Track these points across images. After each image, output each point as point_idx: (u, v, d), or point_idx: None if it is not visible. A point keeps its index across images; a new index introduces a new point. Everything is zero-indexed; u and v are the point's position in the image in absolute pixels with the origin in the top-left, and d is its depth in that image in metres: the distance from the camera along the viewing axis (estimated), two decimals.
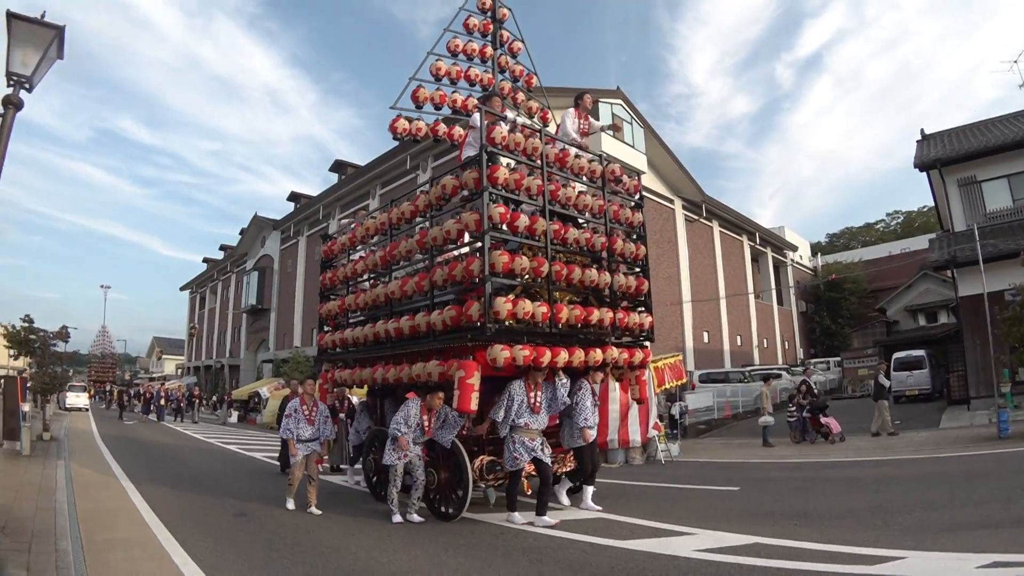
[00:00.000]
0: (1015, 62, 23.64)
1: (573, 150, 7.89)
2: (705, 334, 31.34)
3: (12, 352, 19.67)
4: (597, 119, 23.82)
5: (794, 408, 13.67)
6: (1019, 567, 4.26)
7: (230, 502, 8.43)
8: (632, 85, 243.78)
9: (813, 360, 35.59)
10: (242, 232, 46.04)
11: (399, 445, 6.90)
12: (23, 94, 5.03)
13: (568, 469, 7.85)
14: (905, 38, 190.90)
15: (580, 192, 7.75)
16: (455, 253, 7.37)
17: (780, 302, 41.66)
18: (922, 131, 21.66)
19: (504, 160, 7.08)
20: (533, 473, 7.05)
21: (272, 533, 6.60)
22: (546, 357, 6.65)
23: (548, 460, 6.92)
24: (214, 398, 41.00)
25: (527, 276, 6.72)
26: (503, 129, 6.84)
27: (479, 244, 6.66)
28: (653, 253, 27.63)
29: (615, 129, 8.68)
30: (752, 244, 38.74)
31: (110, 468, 11.91)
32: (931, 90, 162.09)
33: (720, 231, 35.02)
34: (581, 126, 8.59)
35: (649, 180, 28.08)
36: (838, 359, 31.42)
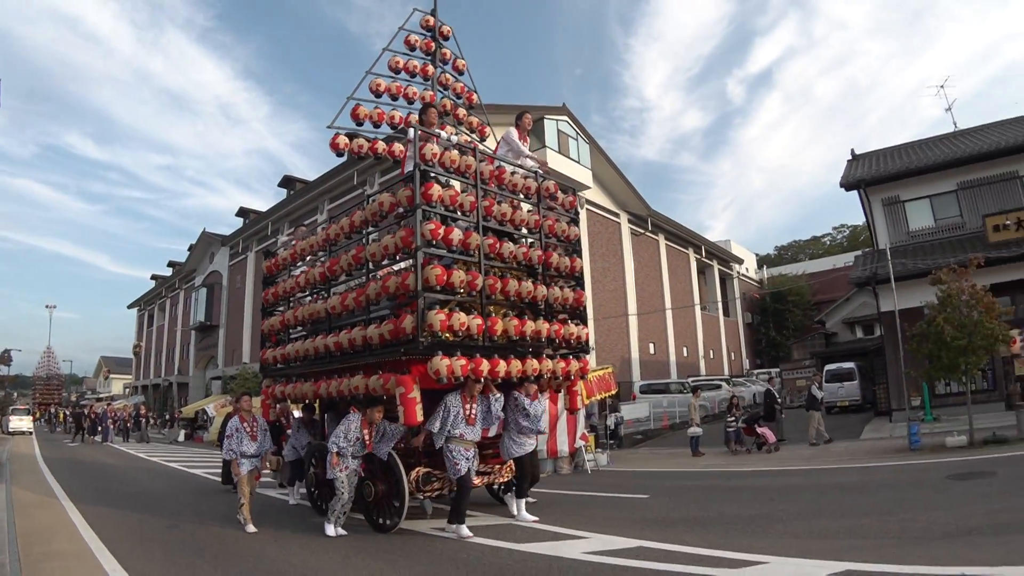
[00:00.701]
0: (942, 87, 25.13)
1: (509, 167, 8.10)
2: (651, 345, 31.94)
3: None
4: (540, 138, 24.18)
5: (732, 419, 14.08)
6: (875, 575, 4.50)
7: (165, 517, 8.56)
8: (586, 98, 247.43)
9: (757, 371, 36.59)
10: (191, 248, 45.14)
11: (333, 461, 6.93)
12: None
13: (505, 480, 7.99)
14: (852, 57, 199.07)
15: (515, 208, 7.96)
16: (394, 268, 7.49)
17: (727, 313, 42.73)
18: (852, 151, 22.77)
19: (444, 177, 7.26)
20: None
21: (201, 543, 6.86)
22: (484, 367, 6.81)
23: (473, 472, 7.06)
24: (164, 416, 39.91)
25: (462, 290, 6.88)
26: (435, 147, 7.01)
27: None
28: (599, 266, 28.54)
29: (542, 166, 8.91)
30: (698, 257, 39.69)
31: (51, 488, 11.85)
32: (877, 107, 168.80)
33: (666, 244, 35.83)
34: (520, 146, 8.80)
35: (595, 195, 28.66)
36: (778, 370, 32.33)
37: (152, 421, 39.49)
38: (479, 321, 6.88)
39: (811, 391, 14.67)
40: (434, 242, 6.70)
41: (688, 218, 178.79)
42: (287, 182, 36.03)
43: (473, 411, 7.10)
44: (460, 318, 6.55)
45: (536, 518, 7.45)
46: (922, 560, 4.71)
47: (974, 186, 18.18)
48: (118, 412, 34.61)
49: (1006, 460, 9.72)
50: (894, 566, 4.58)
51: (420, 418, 6.56)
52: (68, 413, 42.73)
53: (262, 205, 40.90)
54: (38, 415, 47.91)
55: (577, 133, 26.75)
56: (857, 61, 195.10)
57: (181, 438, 30.31)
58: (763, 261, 60.52)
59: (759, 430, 13.72)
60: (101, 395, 68.64)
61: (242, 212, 40.83)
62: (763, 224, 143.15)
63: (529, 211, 8.20)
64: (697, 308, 37.24)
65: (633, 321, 29.90)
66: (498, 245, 7.47)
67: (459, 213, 7.23)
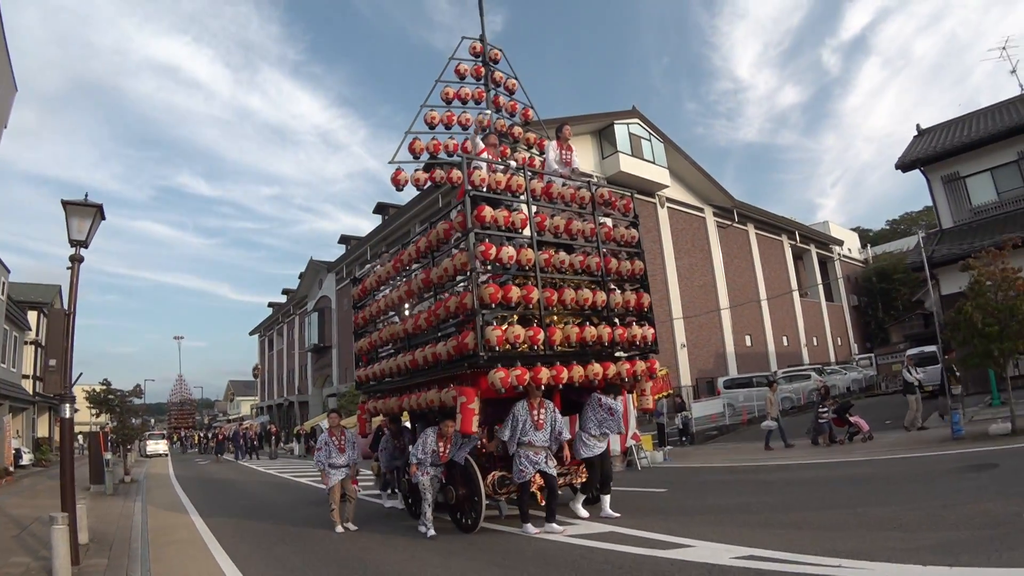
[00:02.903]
0: (1004, 48, 22.97)
1: (558, 180, 8.46)
2: (747, 338, 31.05)
3: (93, 411, 22.04)
4: (612, 143, 24.23)
5: (824, 410, 13.60)
6: (768, 561, 4.83)
7: (272, 519, 9.97)
8: (677, 86, 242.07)
9: (858, 356, 34.59)
10: (301, 276, 48.30)
11: (412, 470, 7.58)
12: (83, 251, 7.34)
13: (582, 481, 8.32)
14: (949, 11, 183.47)
15: (569, 219, 8.30)
16: (456, 289, 8.04)
17: (829, 298, 40.64)
18: (917, 126, 21.42)
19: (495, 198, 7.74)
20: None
21: (295, 538, 8.16)
22: (543, 375, 7.20)
23: (553, 472, 7.43)
24: (283, 433, 42.88)
25: (519, 304, 7.31)
26: (483, 172, 7.50)
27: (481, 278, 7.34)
28: (685, 263, 28.23)
29: (575, 174, 9.20)
30: (793, 243, 38.13)
31: (179, 499, 13.92)
32: (982, 61, 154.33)
33: (756, 233, 34.73)
34: (564, 156, 9.12)
35: (675, 192, 28.33)
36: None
37: (281, 439, 42.56)
38: (536, 332, 7.26)
39: (903, 375, 13.99)
40: (487, 262, 7.17)
41: (796, 198, 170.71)
42: (380, 208, 37.92)
43: (541, 417, 7.46)
44: (515, 331, 6.99)
45: (619, 515, 7.64)
46: (830, 553, 4.89)
47: None
48: (247, 431, 37.64)
49: None
50: (797, 555, 4.91)
51: (475, 428, 7.04)
52: (202, 435, 46.79)
53: (368, 225, 43.34)
54: (174, 438, 52.73)
55: (650, 133, 26.59)
56: (954, 14, 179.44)
57: (296, 452, 32.64)
58: (873, 238, 56.94)
59: (851, 419, 13.21)
60: (231, 416, 74.39)
61: (343, 239, 43.35)
62: (876, 197, 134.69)
63: (584, 220, 8.50)
64: (796, 295, 35.72)
65: (726, 315, 29.25)
66: (554, 257, 7.84)
67: (512, 231, 7.67)
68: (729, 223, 32.26)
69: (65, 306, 7.49)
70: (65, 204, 7.23)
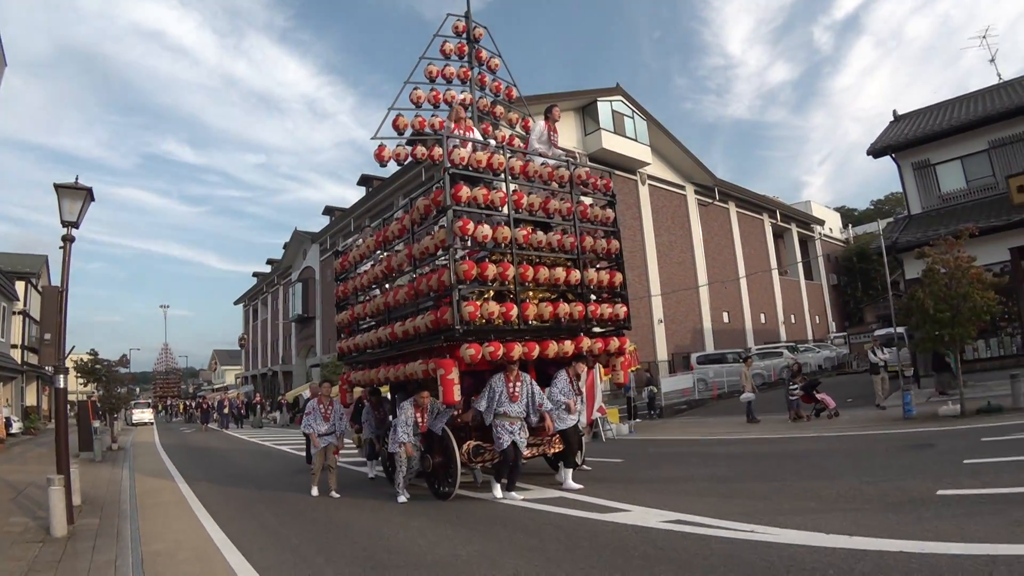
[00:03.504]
0: (984, 37, 23.23)
1: (537, 160, 8.66)
2: (725, 314, 31.62)
3: (82, 380, 22.25)
4: (595, 120, 24.30)
5: (794, 387, 14.07)
6: (691, 525, 5.37)
7: (254, 483, 10.71)
8: (668, 61, 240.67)
9: (834, 335, 35.39)
10: (285, 246, 48.14)
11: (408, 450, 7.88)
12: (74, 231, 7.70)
13: (557, 451, 8.66)
14: None
15: (547, 198, 8.53)
16: (436, 264, 8.26)
17: (809, 277, 41.29)
18: (894, 112, 21.75)
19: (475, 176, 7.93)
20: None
21: (275, 501, 8.67)
22: (516, 350, 7.50)
23: (523, 445, 7.75)
24: (268, 403, 43.17)
25: (495, 281, 7.57)
26: (462, 151, 7.69)
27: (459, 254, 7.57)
28: (664, 240, 28.59)
29: (569, 156, 9.38)
30: (774, 222, 38.59)
31: (165, 466, 14.51)
32: (975, 44, 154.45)
33: (737, 212, 35.12)
34: (550, 137, 9.32)
35: (657, 169, 28.53)
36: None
37: (266, 408, 42.87)
38: (510, 308, 7.52)
39: (869, 356, 14.55)
40: (464, 238, 7.40)
41: (783, 175, 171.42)
42: (365, 180, 37.81)
43: (516, 389, 7.75)
44: (490, 307, 7.26)
45: (581, 487, 7.93)
46: (749, 519, 5.34)
47: (1007, 143, 17.14)
48: (232, 400, 37.90)
49: (974, 432, 9.51)
50: (719, 520, 5.41)
51: (457, 398, 7.34)
52: (189, 404, 46.97)
53: (353, 196, 43.39)
54: (159, 407, 52.95)
55: (633, 111, 26.72)
56: None
57: (279, 421, 33.16)
58: (861, 217, 57.53)
59: (818, 396, 13.69)
60: (216, 386, 74.58)
61: (328, 210, 43.16)
62: (863, 177, 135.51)
63: (562, 199, 8.71)
64: (775, 273, 36.29)
65: (704, 291, 29.71)
66: (531, 235, 8.09)
67: (491, 209, 7.88)
68: (710, 201, 32.63)
69: (53, 279, 7.80)
70: (57, 187, 7.61)
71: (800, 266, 39.81)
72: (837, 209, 56.92)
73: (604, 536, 5.37)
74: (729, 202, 34.46)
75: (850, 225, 52.41)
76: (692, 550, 4.67)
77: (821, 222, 43.98)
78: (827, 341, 32.18)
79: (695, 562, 4.37)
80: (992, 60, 21.00)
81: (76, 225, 7.69)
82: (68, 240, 7.61)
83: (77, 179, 7.78)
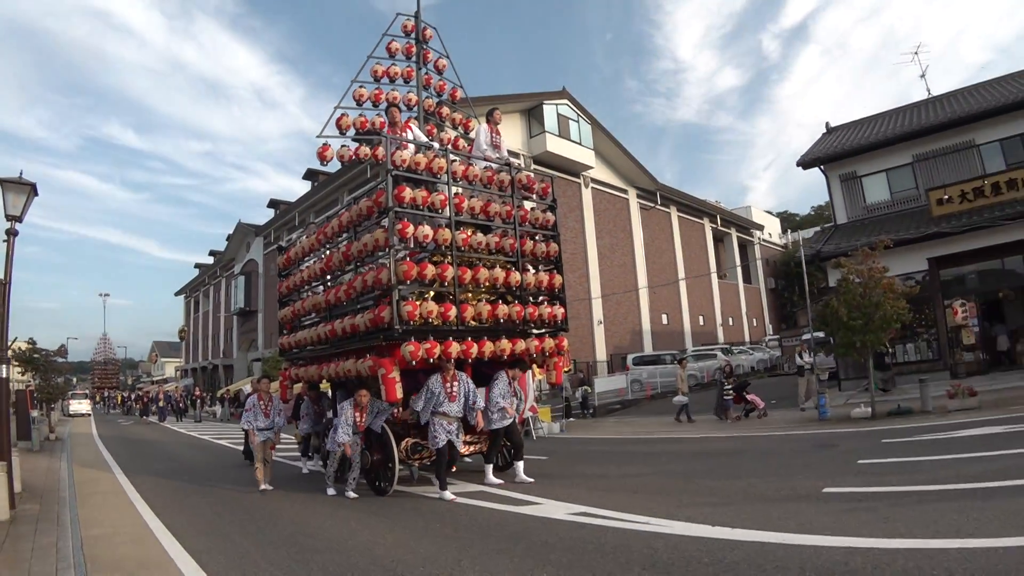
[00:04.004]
0: (915, 53, 24.55)
1: (480, 163, 8.84)
2: (664, 316, 32.49)
3: (19, 369, 21.58)
4: (541, 123, 24.55)
5: (728, 388, 14.64)
6: (593, 517, 5.75)
7: (190, 475, 10.94)
8: (619, 63, 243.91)
9: (768, 337, 36.69)
10: (229, 238, 47.04)
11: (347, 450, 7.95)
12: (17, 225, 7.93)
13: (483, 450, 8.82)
14: (888, 5, 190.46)
15: (488, 200, 8.72)
16: (377, 263, 8.35)
17: (748, 280, 42.71)
18: (827, 124, 22.75)
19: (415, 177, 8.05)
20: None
21: (212, 493, 8.89)
22: (453, 349, 7.67)
23: (459, 448, 7.95)
24: (208, 396, 42.19)
25: (435, 281, 7.72)
26: (404, 153, 7.82)
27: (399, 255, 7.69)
28: (606, 243, 29.21)
29: (511, 160, 9.62)
30: (714, 226, 39.80)
31: (102, 456, 14.55)
32: (906, 60, 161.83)
33: (679, 216, 36.10)
34: (493, 139, 9.51)
35: (600, 173, 29.11)
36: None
37: (206, 402, 41.87)
38: (448, 308, 7.69)
39: (796, 359, 15.28)
40: (404, 240, 7.53)
41: (729, 179, 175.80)
42: (310, 175, 37.34)
43: (454, 389, 7.88)
44: (428, 307, 7.42)
45: (532, 480, 8.20)
46: (646, 513, 5.76)
47: (929, 157, 18.22)
48: (168, 393, 36.92)
49: (878, 433, 10.11)
50: (619, 513, 5.81)
51: (399, 396, 7.48)
52: (126, 396, 45.45)
53: (301, 188, 42.65)
54: (97, 399, 51.11)
55: (578, 115, 27.16)
56: (893, 9, 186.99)
57: (219, 415, 32.66)
58: (802, 222, 59.59)
59: (748, 397, 14.31)
60: (155, 378, 72.17)
61: (273, 203, 42.41)
62: (807, 183, 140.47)
63: (503, 203, 8.92)
64: (714, 277, 37.43)
65: (644, 293, 30.43)
66: (472, 237, 8.27)
67: (432, 211, 8.02)
68: (652, 205, 33.45)
69: None
70: (1, 182, 7.87)
71: (739, 270, 41.19)
72: (779, 214, 59.00)
73: (512, 526, 5.76)
74: (671, 206, 35.36)
75: (789, 230, 54.39)
76: (588, 539, 5.06)
77: (760, 227, 45.53)
78: (762, 344, 33.32)
79: (587, 548, 4.77)
80: (923, 75, 22.20)
81: (20, 219, 7.88)
82: (12, 234, 7.84)
83: (21, 173, 8.04)
